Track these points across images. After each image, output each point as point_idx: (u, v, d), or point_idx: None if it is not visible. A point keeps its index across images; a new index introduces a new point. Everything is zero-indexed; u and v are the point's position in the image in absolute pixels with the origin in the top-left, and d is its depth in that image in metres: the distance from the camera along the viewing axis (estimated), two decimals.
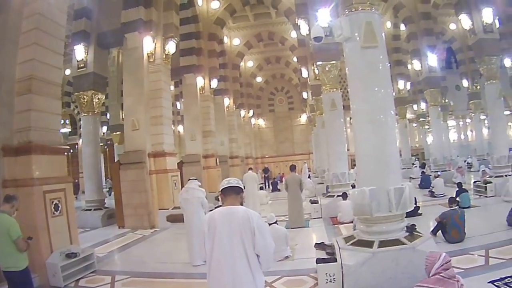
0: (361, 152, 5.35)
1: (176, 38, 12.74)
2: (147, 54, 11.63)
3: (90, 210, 12.03)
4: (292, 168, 10.37)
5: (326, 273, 4.80)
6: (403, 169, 20.80)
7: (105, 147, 24.41)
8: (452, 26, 24.18)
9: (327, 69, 11.33)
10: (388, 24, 22.53)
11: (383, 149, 5.11)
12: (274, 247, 2.89)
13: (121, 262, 7.70)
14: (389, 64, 5.59)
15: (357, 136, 5.45)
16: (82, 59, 12.27)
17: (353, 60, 5.49)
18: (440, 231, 6.86)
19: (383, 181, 4.97)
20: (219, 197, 3.44)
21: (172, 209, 10.74)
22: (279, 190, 20.08)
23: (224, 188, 2.92)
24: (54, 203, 6.22)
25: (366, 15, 5.31)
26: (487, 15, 12.30)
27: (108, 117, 21.68)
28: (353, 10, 5.35)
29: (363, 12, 5.32)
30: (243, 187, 3.00)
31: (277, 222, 6.90)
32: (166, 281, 5.97)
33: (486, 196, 11.33)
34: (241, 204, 2.92)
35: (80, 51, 12.25)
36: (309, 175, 21.25)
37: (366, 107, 5.26)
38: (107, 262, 7.32)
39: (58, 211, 6.30)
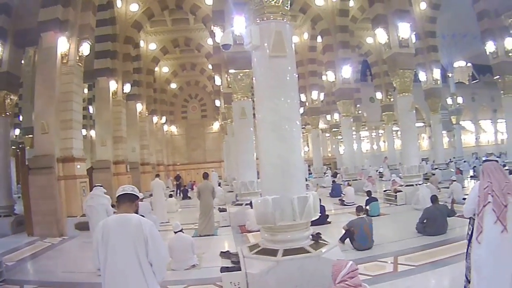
0: (265, 161, 5.33)
1: (91, 40, 12.42)
2: (61, 54, 11.20)
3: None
4: (205, 175, 10.29)
5: (231, 282, 4.79)
6: (314, 178, 21.64)
7: (17, 150, 22.36)
8: (369, 40, 24.88)
9: (239, 77, 11.36)
10: (305, 36, 23.18)
11: (287, 158, 5.11)
12: (167, 257, 2.94)
13: (30, 271, 7.41)
14: (296, 75, 5.64)
15: (261, 145, 5.41)
16: None
17: (260, 69, 5.47)
18: (348, 238, 7.00)
19: (287, 190, 5.00)
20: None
21: (81, 216, 10.35)
22: (189, 197, 20.03)
23: (119, 195, 2.88)
24: None
25: (277, 24, 5.32)
26: (404, 30, 12.66)
27: (21, 119, 20.39)
28: (265, 19, 5.35)
29: (275, 21, 5.33)
30: (139, 195, 2.97)
31: (183, 230, 6.85)
32: None
33: (396, 205, 11.77)
34: (136, 212, 2.90)
35: None
36: (219, 183, 21.25)
37: (271, 116, 5.24)
38: (17, 271, 7.00)
39: None
